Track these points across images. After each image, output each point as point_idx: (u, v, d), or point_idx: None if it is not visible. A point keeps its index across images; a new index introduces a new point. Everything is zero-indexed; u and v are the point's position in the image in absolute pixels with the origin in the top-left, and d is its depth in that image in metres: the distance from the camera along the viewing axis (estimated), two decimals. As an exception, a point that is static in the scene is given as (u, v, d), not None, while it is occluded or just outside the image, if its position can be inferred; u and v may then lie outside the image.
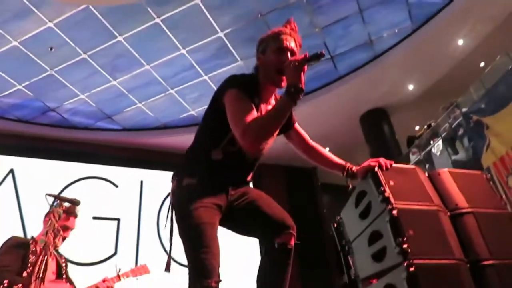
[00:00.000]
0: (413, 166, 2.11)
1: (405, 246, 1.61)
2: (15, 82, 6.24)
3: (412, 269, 1.55)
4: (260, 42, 1.88)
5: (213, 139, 1.81)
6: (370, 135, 7.63)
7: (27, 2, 5.02)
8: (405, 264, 1.57)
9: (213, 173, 1.80)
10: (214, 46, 6.18)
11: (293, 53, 1.79)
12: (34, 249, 2.80)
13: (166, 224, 1.85)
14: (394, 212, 1.71)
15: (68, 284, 2.94)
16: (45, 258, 1.94)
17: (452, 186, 1.99)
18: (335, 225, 2.19)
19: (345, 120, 7.77)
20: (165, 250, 6.44)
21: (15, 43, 5.59)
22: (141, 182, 7.11)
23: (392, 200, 1.76)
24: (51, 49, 5.75)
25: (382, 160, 1.94)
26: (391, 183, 1.85)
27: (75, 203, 2.35)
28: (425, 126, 7.00)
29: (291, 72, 1.66)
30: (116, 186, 6.97)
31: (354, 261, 2.01)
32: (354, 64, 7.05)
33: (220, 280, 1.63)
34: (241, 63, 6.48)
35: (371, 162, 1.95)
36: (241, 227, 1.90)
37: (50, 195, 2.37)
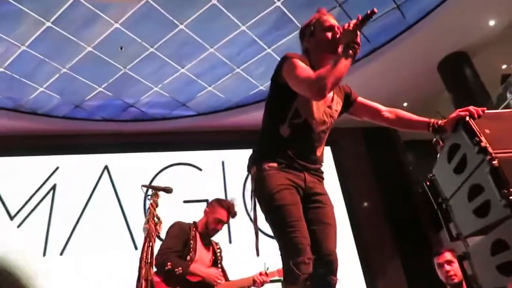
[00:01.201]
0: (510, 110, 1.92)
1: (512, 197, 1.49)
2: (96, 85, 6.68)
3: (523, 221, 1.43)
4: (304, 29, 2.09)
5: (278, 116, 1.93)
6: (451, 83, 7.08)
7: (93, 8, 5.30)
8: (515, 216, 1.46)
9: (285, 150, 1.88)
10: (273, 17, 6.08)
11: (338, 28, 1.97)
12: (194, 234, 3.04)
13: (251, 208, 1.96)
14: (495, 162, 1.57)
15: (220, 271, 3.08)
16: (150, 245, 2.09)
17: (560, 126, 1.78)
18: (428, 183, 2.09)
19: (421, 71, 7.28)
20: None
21: (89, 48, 5.96)
22: (223, 162, 7.34)
23: (490, 149, 1.62)
24: (121, 48, 6.05)
25: (472, 108, 1.80)
26: (487, 131, 1.70)
27: (168, 191, 2.49)
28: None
29: (345, 34, 1.81)
30: (200, 169, 7.27)
31: (454, 219, 1.90)
32: (424, 9, 6.52)
33: (312, 257, 1.66)
34: (303, 29, 6.32)
35: (459, 112, 1.82)
36: None
37: (144, 185, 2.53)
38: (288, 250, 1.68)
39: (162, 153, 7.33)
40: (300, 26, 6.67)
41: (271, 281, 3.24)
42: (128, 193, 6.59)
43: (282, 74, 1.88)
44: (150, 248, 2.06)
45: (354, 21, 1.80)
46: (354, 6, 6.10)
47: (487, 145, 1.65)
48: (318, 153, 1.99)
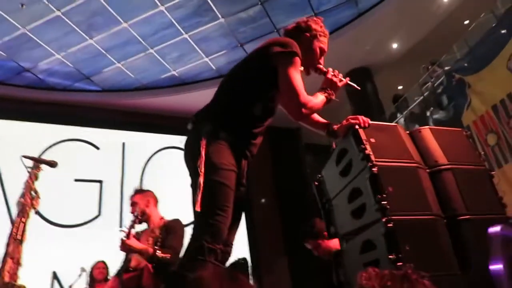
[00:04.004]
0: (394, 124, 2.10)
1: (384, 202, 1.62)
2: (-14, 42, 5.97)
3: (390, 225, 1.57)
4: (311, 25, 2.07)
5: (256, 95, 1.87)
6: (353, 95, 7.59)
7: (-8, -46, 4.72)
8: (383, 220, 1.59)
9: (248, 129, 1.85)
10: (194, 3, 5.95)
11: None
12: None
13: (198, 167, 1.73)
14: (374, 169, 1.71)
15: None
16: (23, 220, 1.91)
17: (432, 143, 1.99)
18: (316, 184, 2.20)
19: (329, 80, 7.69)
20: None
21: (-17, -1, 5.30)
22: (123, 143, 7.03)
23: (372, 157, 1.76)
24: (22, 5, 5.46)
25: (361, 117, 1.93)
26: (372, 140, 1.84)
27: (52, 165, 2.30)
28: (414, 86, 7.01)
29: (335, 86, 2.00)
30: (98, 148, 6.87)
31: (335, 218, 2.03)
32: (338, 22, 6.92)
33: (222, 248, 1.64)
34: (222, 20, 6.30)
35: (351, 120, 1.94)
36: None
37: (26, 156, 2.31)
38: (209, 231, 1.61)
39: (57, 126, 6.77)
40: (220, 17, 6.53)
41: None
42: (12, 164, 5.99)
43: (279, 62, 1.82)
44: (22, 224, 1.88)
45: (343, 79, 2.05)
46: (275, 7, 6.24)
47: (371, 153, 1.78)
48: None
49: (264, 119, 1.91)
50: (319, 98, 1.92)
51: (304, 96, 1.80)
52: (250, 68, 1.92)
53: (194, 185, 1.74)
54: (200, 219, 1.67)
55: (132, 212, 3.14)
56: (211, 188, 1.67)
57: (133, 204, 3.19)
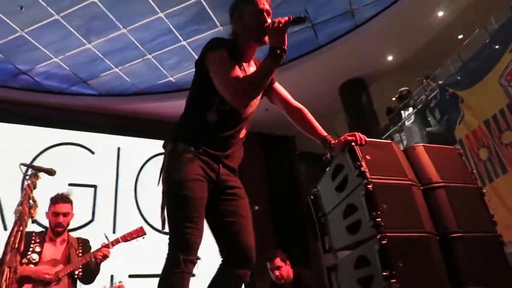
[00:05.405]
0: (389, 141, 2.14)
1: (378, 219, 1.66)
2: (-17, 43, 5.97)
3: (384, 242, 1.60)
4: (233, 8, 1.88)
5: (204, 102, 1.82)
6: (349, 105, 7.69)
7: (-7, -42, 4.74)
8: (378, 237, 1.63)
9: (208, 137, 1.80)
10: (193, 11, 6.01)
11: (268, 13, 1.81)
12: (40, 237, 3.07)
13: (158, 183, 1.84)
14: (370, 186, 1.75)
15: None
16: (20, 229, 1.93)
17: (426, 161, 2.03)
18: (312, 197, 2.24)
19: (325, 89, 7.78)
20: (143, 217, 6.46)
21: (-18, 1, 5.31)
22: (118, 148, 7.03)
23: (368, 174, 1.79)
24: (21, 8, 5.48)
25: (358, 134, 1.96)
26: (368, 157, 1.88)
27: (50, 173, 2.30)
28: (396, 96, 7.08)
29: (275, 34, 1.69)
30: (93, 152, 6.87)
31: (329, 233, 2.06)
32: (335, 33, 7.00)
33: (199, 258, 1.66)
34: (221, 28, 6.35)
35: (348, 136, 1.97)
36: (212, 228, 1.85)
37: (24, 164, 2.32)
38: (182, 244, 1.64)
39: (52, 129, 6.76)
40: (218, 25, 6.58)
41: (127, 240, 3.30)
42: (5, 167, 5.95)
43: (206, 63, 1.77)
44: (20, 232, 1.89)
45: (284, 19, 1.68)
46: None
47: (366, 170, 1.82)
48: (241, 135, 1.94)
49: (227, 124, 1.84)
50: (260, 68, 1.74)
51: (232, 80, 1.67)
52: (194, 76, 1.91)
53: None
54: (172, 234, 1.70)
55: (63, 222, 3.09)
56: (177, 203, 1.71)
57: (66, 214, 3.13)
